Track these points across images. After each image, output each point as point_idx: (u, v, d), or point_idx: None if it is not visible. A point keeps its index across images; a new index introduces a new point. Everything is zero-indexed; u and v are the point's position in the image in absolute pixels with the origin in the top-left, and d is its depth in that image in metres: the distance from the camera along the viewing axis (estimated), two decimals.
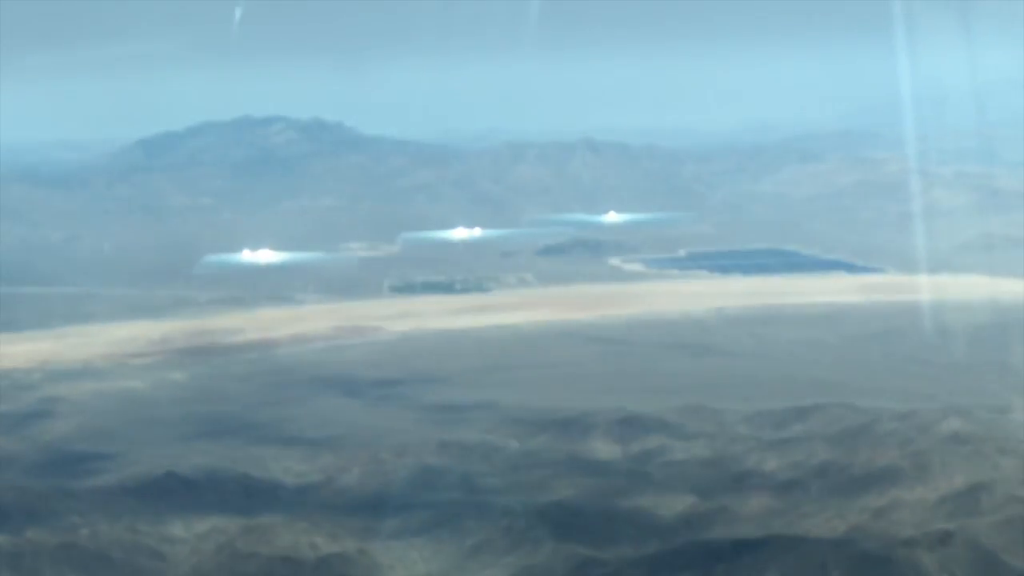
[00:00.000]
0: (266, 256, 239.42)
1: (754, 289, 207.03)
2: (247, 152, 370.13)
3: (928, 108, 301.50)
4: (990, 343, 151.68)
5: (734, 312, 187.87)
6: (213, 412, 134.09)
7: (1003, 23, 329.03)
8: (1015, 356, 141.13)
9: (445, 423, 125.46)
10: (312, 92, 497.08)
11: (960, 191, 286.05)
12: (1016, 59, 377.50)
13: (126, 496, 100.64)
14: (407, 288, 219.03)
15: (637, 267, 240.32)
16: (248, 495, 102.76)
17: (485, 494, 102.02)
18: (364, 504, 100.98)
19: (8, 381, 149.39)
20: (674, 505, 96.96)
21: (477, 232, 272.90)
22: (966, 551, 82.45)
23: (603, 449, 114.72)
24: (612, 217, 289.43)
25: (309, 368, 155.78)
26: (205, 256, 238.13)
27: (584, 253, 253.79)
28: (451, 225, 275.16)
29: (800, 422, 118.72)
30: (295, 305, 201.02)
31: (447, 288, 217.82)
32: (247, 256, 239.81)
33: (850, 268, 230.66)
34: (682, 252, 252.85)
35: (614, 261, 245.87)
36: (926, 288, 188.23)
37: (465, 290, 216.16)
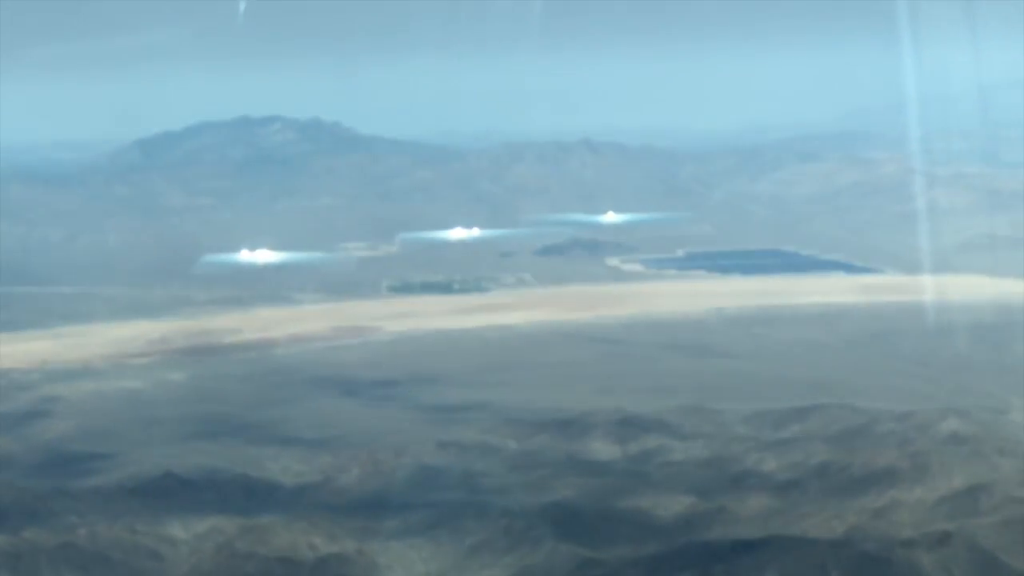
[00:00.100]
0: (264, 256, 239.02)
1: (753, 289, 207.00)
2: (245, 152, 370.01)
3: (927, 108, 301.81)
4: (989, 344, 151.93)
5: (733, 312, 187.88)
6: (212, 412, 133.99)
7: (1002, 24, 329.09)
8: (1014, 356, 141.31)
9: (444, 423, 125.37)
10: (310, 92, 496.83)
11: (959, 191, 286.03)
12: (1015, 60, 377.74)
13: (124, 496, 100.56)
14: (405, 288, 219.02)
15: (636, 267, 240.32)
16: (247, 495, 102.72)
17: (484, 494, 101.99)
18: (363, 504, 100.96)
19: (6, 381, 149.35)
20: (673, 505, 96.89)
21: (476, 232, 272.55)
22: (965, 552, 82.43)
23: (602, 449, 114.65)
24: (611, 217, 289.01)
25: (308, 368, 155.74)
26: (204, 256, 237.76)
27: (583, 253, 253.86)
28: (449, 225, 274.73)
29: (799, 422, 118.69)
30: (293, 305, 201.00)
31: (445, 288, 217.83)
32: (245, 256, 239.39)
33: (849, 268, 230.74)
34: (681, 252, 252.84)
35: (613, 261, 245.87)
36: (925, 288, 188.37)
37: (463, 290, 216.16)
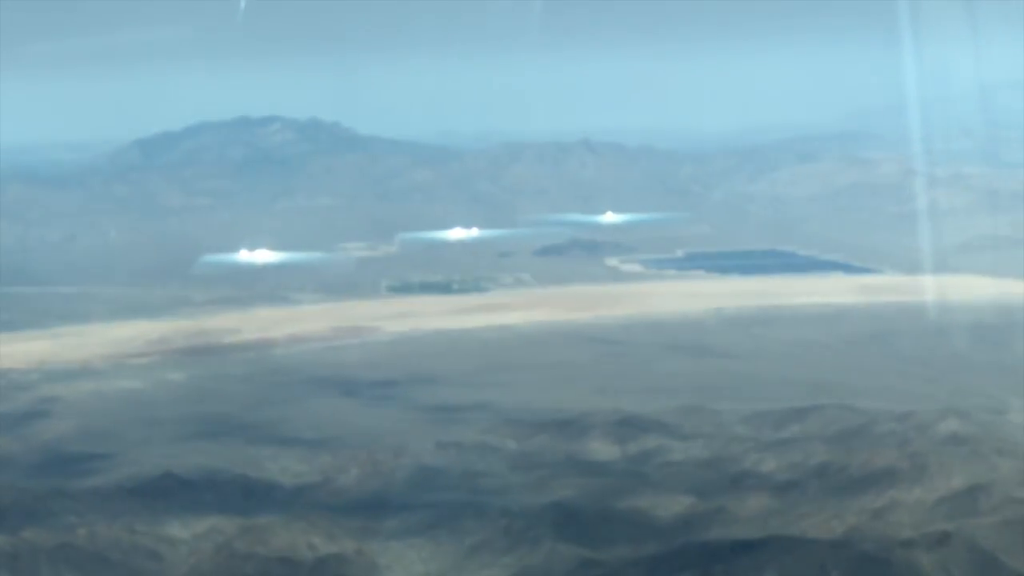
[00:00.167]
0: (263, 256, 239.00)
1: (752, 290, 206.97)
2: (244, 152, 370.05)
3: (926, 109, 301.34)
4: (988, 344, 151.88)
5: (732, 313, 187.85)
6: (211, 412, 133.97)
7: (1003, 24, 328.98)
8: (1013, 357, 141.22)
9: (443, 423, 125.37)
10: (309, 92, 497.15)
11: (959, 192, 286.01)
12: (1015, 60, 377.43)
13: (124, 496, 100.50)
14: (404, 288, 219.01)
15: (635, 267, 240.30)
16: (246, 495, 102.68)
17: (483, 494, 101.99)
18: (362, 504, 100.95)
19: (5, 381, 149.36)
20: (672, 506, 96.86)
21: (474, 232, 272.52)
22: (964, 552, 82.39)
23: (601, 450, 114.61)
24: (610, 217, 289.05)
25: (307, 368, 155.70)
26: (202, 256, 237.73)
27: (581, 253, 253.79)
28: (448, 225, 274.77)
29: (798, 423, 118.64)
30: (292, 305, 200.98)
31: (444, 288, 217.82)
32: (244, 256, 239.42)
33: (848, 269, 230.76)
34: (680, 252, 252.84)
35: (612, 261, 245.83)
36: (924, 289, 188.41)
37: (462, 290, 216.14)
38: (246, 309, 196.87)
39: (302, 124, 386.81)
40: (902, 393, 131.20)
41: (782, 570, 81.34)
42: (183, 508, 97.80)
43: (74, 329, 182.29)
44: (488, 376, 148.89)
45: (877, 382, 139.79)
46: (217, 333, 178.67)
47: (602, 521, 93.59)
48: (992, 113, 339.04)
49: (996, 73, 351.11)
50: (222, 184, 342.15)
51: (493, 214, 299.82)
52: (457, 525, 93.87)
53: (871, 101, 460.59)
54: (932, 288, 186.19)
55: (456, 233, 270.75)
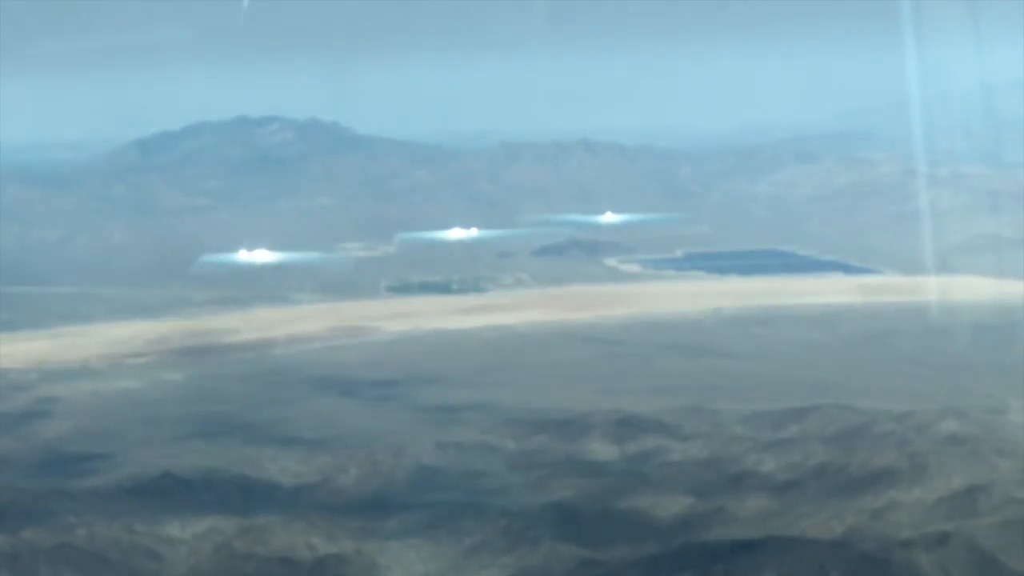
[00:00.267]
0: (262, 256, 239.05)
1: (751, 290, 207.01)
2: (243, 152, 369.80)
3: (925, 109, 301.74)
4: (987, 344, 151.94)
5: (731, 313, 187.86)
6: (210, 412, 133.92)
7: (1002, 24, 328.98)
8: (1013, 357, 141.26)
9: (442, 423, 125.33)
10: (308, 92, 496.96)
11: (958, 192, 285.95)
12: (1015, 60, 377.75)
13: (123, 496, 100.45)
14: (403, 288, 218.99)
15: (634, 268, 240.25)
16: (245, 495, 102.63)
17: (482, 495, 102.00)
18: (361, 504, 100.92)
19: (4, 381, 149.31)
20: (671, 506, 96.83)
21: (473, 232, 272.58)
22: (964, 552, 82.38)
23: (600, 450, 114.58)
24: (609, 217, 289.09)
25: (306, 368, 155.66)
26: (201, 256, 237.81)
27: (580, 253, 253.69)
28: (447, 225, 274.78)
29: (797, 423, 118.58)
30: (291, 305, 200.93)
31: (443, 288, 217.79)
32: (243, 256, 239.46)
33: (847, 269, 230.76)
34: (679, 253, 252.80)
35: (611, 261, 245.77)
36: (923, 289, 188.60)
37: (461, 290, 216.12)
38: (245, 309, 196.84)
39: (301, 124, 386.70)
40: (901, 393, 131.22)
41: (781, 570, 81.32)
42: (182, 508, 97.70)
43: (73, 329, 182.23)
44: (487, 376, 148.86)
45: (876, 382, 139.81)
46: (216, 333, 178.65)
47: (601, 521, 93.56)
48: (992, 113, 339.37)
49: (996, 73, 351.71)
50: (221, 184, 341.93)
51: (492, 214, 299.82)
52: (456, 525, 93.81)
53: (870, 101, 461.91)
54: (931, 288, 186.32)
55: (455, 233, 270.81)
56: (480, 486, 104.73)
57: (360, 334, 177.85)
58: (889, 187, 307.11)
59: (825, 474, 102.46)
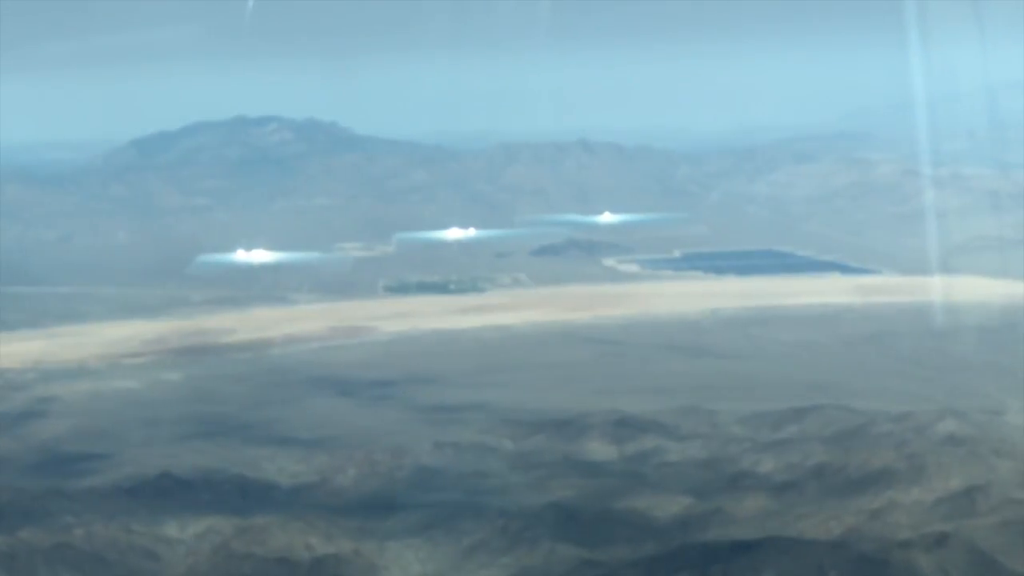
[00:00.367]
0: (261, 256, 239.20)
1: (749, 290, 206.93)
2: (241, 152, 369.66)
3: (924, 109, 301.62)
4: (986, 345, 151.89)
5: (729, 313, 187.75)
6: (208, 412, 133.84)
7: (1001, 24, 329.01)
8: (1011, 358, 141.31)
9: (440, 423, 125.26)
10: (306, 92, 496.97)
11: (956, 192, 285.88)
12: (1014, 60, 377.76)
13: (121, 496, 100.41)
14: (402, 288, 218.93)
15: (632, 268, 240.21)
16: (243, 495, 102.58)
17: (481, 495, 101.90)
18: (359, 504, 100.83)
19: (2, 381, 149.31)
20: (670, 506, 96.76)
21: (472, 232, 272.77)
22: (962, 553, 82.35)
23: (599, 450, 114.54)
24: (607, 218, 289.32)
25: (304, 368, 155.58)
26: (199, 256, 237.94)
27: (579, 254, 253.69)
28: (446, 225, 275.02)
29: (796, 423, 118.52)
30: (290, 305, 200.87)
31: (442, 288, 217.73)
32: (241, 256, 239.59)
33: (845, 269, 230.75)
34: (677, 253, 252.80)
35: (609, 262, 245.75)
36: (921, 289, 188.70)
37: (460, 290, 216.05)
38: (243, 309, 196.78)
39: (299, 124, 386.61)
40: (900, 394, 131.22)
41: (780, 571, 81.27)
42: (180, 508, 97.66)
43: (71, 329, 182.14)
44: (485, 376, 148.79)
45: (875, 383, 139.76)
46: (214, 333, 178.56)
47: (600, 521, 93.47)
48: (991, 113, 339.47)
49: (995, 73, 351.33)
50: (219, 184, 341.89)
51: (490, 214, 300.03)
52: (455, 525, 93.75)
53: (869, 101, 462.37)
54: (930, 289, 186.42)
55: (453, 233, 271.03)
56: (478, 486, 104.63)
57: (358, 334, 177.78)
58: (888, 187, 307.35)
59: (823, 475, 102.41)
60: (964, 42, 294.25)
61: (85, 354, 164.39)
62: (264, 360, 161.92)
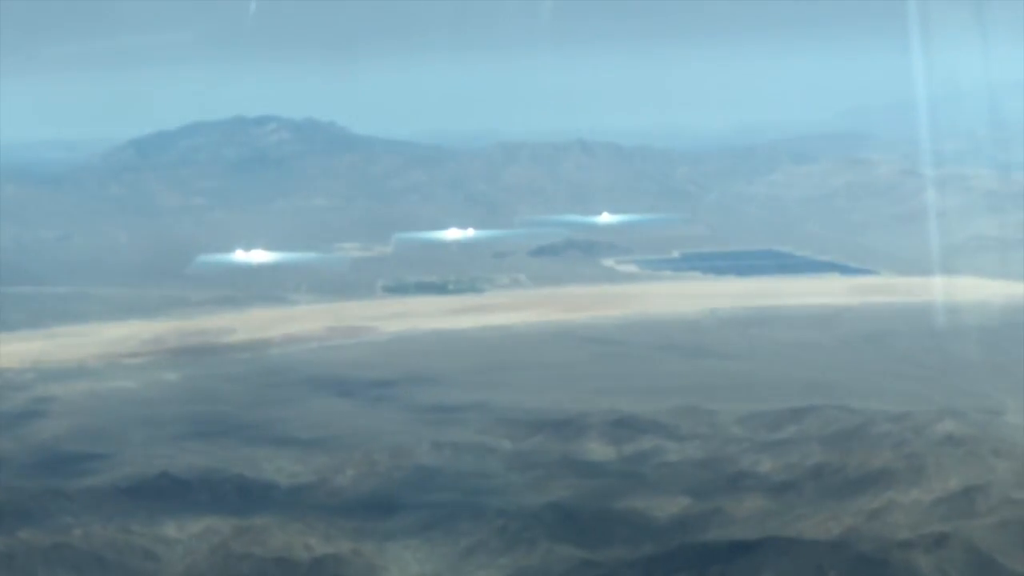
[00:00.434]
0: (259, 256, 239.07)
1: (748, 290, 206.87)
2: (240, 152, 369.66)
3: (923, 109, 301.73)
4: (984, 345, 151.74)
5: (728, 313, 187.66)
6: (206, 412, 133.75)
7: (1001, 24, 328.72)
8: (1010, 358, 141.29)
9: (439, 424, 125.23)
10: (305, 92, 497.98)
11: (955, 192, 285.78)
12: (1013, 60, 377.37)
13: (119, 496, 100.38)
14: (400, 288, 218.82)
15: (630, 268, 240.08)
16: (242, 496, 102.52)
17: (479, 495, 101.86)
18: (358, 505, 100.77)
19: (1, 381, 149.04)
20: (669, 506, 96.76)
21: (470, 232, 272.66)
22: (961, 553, 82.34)
23: (597, 450, 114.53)
24: (605, 218, 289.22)
25: (302, 368, 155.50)
26: (198, 256, 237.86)
27: (577, 254, 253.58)
28: (444, 225, 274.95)
29: (795, 424, 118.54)
30: (288, 305, 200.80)
31: (440, 288, 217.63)
32: (240, 256, 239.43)
33: (843, 270, 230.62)
34: (676, 253, 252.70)
35: (607, 262, 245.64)
36: (920, 290, 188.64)
37: (458, 291, 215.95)
38: (242, 309, 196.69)
39: (298, 124, 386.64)
40: (898, 394, 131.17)
41: (779, 571, 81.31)
42: (179, 508, 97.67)
43: (69, 329, 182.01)
44: (484, 376, 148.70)
45: (873, 383, 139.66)
46: (213, 333, 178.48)
47: (598, 522, 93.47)
48: (991, 113, 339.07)
49: (995, 73, 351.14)
50: (217, 184, 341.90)
51: (489, 214, 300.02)
52: (453, 526, 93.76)
53: (869, 101, 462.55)
54: (929, 289, 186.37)
55: (452, 233, 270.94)
56: (477, 486, 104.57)
57: (357, 334, 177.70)
58: (887, 188, 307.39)
59: (822, 475, 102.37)
60: (964, 42, 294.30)
61: (84, 354, 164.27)
62: (263, 360, 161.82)
